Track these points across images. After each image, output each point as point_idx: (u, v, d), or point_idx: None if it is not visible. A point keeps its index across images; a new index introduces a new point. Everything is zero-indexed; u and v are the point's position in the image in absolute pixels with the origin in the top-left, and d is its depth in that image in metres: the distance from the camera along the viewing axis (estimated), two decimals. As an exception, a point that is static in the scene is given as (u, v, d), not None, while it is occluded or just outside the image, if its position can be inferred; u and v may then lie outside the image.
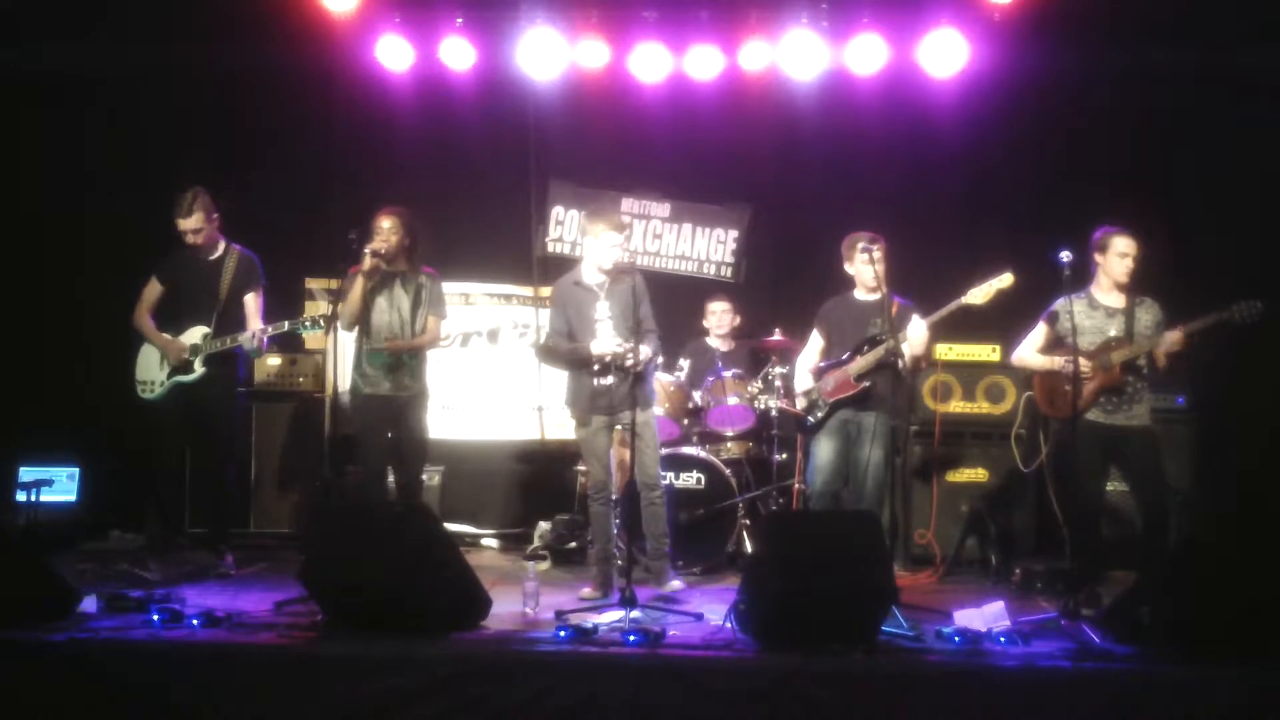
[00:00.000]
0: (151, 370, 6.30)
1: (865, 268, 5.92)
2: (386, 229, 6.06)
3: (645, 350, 5.68)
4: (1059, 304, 5.66)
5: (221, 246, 6.32)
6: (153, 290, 6.36)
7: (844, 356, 6.02)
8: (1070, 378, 5.44)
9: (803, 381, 6.20)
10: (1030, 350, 5.91)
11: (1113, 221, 5.76)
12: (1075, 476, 5.59)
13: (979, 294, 5.71)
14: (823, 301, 6.28)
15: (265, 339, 6.22)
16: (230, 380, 6.34)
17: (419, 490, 6.45)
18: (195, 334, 6.22)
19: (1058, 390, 5.76)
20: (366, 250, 5.93)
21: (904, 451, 6.88)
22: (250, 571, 6.31)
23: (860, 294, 6.09)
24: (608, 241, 5.76)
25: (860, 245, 5.89)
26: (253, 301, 6.31)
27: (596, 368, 5.72)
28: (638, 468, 5.64)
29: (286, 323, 6.15)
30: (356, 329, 6.14)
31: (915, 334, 5.80)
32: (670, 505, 6.43)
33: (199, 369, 6.19)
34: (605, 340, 5.69)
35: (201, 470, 6.55)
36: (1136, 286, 5.74)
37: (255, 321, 6.26)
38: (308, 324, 6.09)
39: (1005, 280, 5.70)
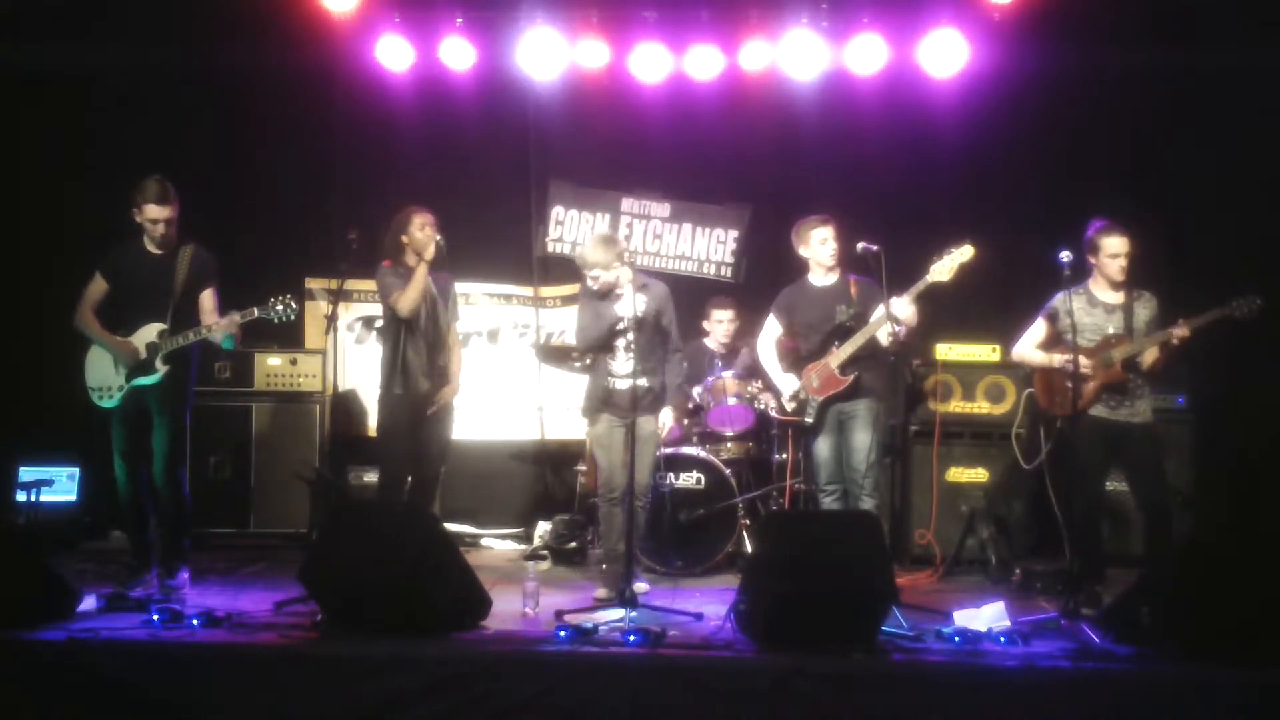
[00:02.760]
0: (105, 375, 5.84)
1: (821, 247, 5.98)
2: (433, 226, 6.03)
3: (667, 418, 6.01)
4: (1057, 300, 5.66)
5: (174, 240, 5.87)
6: (97, 288, 5.89)
7: (814, 349, 6.02)
8: (1071, 375, 5.45)
9: (785, 382, 6.17)
10: (1030, 346, 5.91)
11: (1104, 218, 5.74)
12: (1076, 475, 5.58)
13: (942, 269, 5.72)
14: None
15: (238, 329, 5.82)
16: (184, 381, 5.88)
17: (437, 488, 6.40)
18: (150, 332, 5.77)
19: (1058, 387, 5.76)
20: (437, 239, 5.91)
21: (902, 451, 6.88)
22: (250, 571, 6.31)
23: (816, 278, 6.11)
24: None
25: (814, 227, 5.99)
26: (209, 299, 5.87)
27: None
28: (634, 473, 5.64)
29: (255, 309, 5.74)
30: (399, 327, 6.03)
31: (901, 313, 5.75)
32: (670, 506, 6.46)
33: (160, 368, 5.74)
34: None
35: (155, 478, 5.86)
36: (1134, 281, 5.73)
37: (213, 319, 5.82)
38: (279, 308, 5.73)
39: (966, 253, 5.71)
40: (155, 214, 5.74)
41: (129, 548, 6.01)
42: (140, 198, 5.75)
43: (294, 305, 5.76)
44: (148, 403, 5.81)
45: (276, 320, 5.77)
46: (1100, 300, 5.74)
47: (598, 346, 5.91)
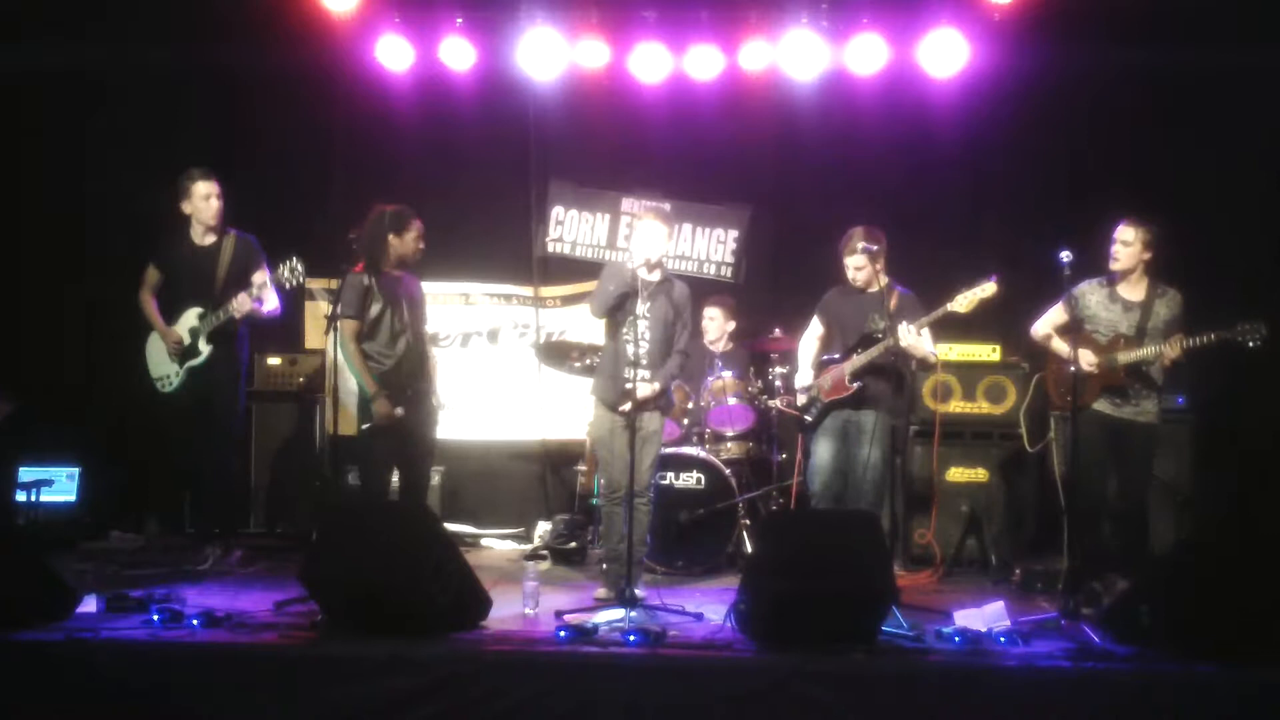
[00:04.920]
0: (164, 364, 6.33)
1: (854, 272, 5.97)
2: (423, 233, 6.04)
3: (649, 387, 5.73)
4: (1078, 288, 5.66)
5: (218, 231, 6.34)
6: (152, 275, 6.40)
7: (839, 355, 6.03)
8: (1072, 367, 5.45)
9: (804, 376, 6.20)
10: (1047, 326, 5.93)
11: (1128, 214, 5.77)
12: (1078, 470, 5.59)
13: (963, 302, 5.73)
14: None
15: (265, 299, 6.17)
16: (234, 364, 6.34)
17: (425, 491, 6.38)
18: (191, 317, 6.24)
19: (1063, 377, 5.78)
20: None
21: (904, 451, 6.88)
22: (250, 571, 6.31)
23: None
24: (644, 231, 5.80)
25: (858, 246, 5.88)
26: (260, 278, 6.24)
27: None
28: (635, 471, 5.61)
29: (268, 277, 6.15)
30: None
31: (910, 339, 5.79)
32: (670, 506, 6.46)
33: (205, 348, 6.19)
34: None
35: (206, 464, 6.40)
36: (1159, 277, 5.74)
37: (270, 297, 6.25)
38: (285, 274, 5.99)
39: (988, 289, 5.70)
40: (208, 189, 6.25)
41: (194, 530, 6.58)
42: (188, 181, 6.22)
43: (299, 268, 6.00)
44: (203, 388, 6.21)
45: (286, 285, 6.08)
46: (1120, 296, 5.74)
47: (614, 303, 5.73)
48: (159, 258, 6.39)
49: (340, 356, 5.75)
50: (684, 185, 7.92)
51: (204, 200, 6.21)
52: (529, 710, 4.27)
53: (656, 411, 5.85)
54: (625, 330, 5.72)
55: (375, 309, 5.83)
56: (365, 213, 6.02)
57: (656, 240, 5.77)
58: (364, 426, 5.92)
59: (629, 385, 5.54)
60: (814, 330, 6.26)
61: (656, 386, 5.74)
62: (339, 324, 5.69)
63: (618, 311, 5.76)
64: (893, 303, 5.90)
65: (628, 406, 5.56)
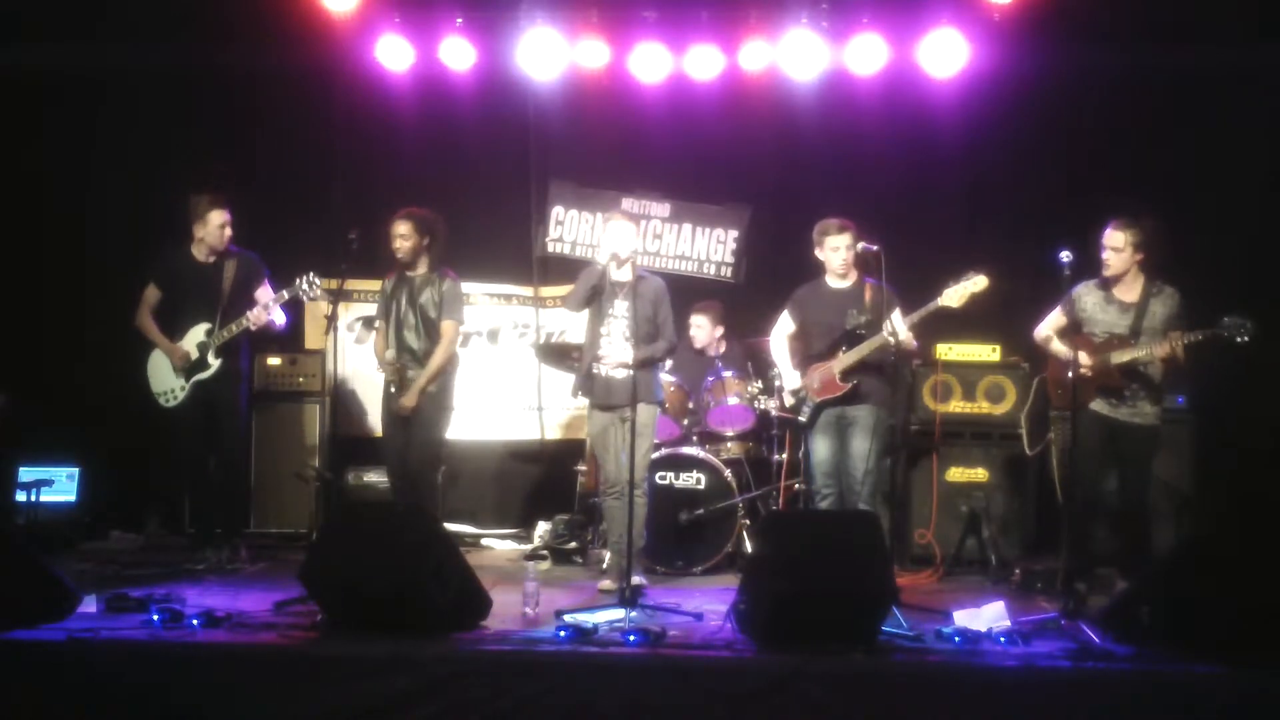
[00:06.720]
0: (167, 379, 6.37)
1: (833, 254, 5.98)
2: (401, 234, 6.21)
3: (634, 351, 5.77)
4: (1075, 290, 5.66)
5: (220, 253, 6.40)
6: (151, 294, 6.45)
7: (823, 349, 6.03)
8: (1071, 368, 5.46)
9: (790, 379, 6.19)
10: (1048, 329, 5.93)
11: (1115, 216, 5.77)
12: (1076, 471, 5.60)
13: (953, 296, 5.74)
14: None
15: (273, 312, 6.31)
16: (238, 374, 6.46)
17: (423, 491, 6.41)
18: (199, 332, 6.32)
19: (1061, 379, 5.79)
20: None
21: (902, 451, 6.89)
22: (250, 571, 6.32)
23: (833, 280, 6.10)
24: (613, 230, 5.90)
25: (829, 233, 5.93)
26: (265, 293, 6.39)
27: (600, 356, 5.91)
28: (631, 462, 5.59)
29: (285, 291, 6.26)
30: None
31: (900, 334, 5.78)
32: (670, 506, 6.46)
33: (214, 362, 6.28)
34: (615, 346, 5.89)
35: (213, 467, 6.50)
36: (1155, 275, 5.73)
37: (279, 313, 6.38)
38: (305, 287, 6.18)
39: (979, 283, 5.71)
40: (222, 219, 6.29)
41: (194, 533, 6.66)
42: (204, 208, 6.27)
43: (317, 282, 6.18)
44: (208, 399, 6.30)
45: (305, 298, 6.31)
46: (1116, 297, 5.74)
47: (585, 295, 5.94)
48: (159, 276, 6.44)
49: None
50: (684, 185, 7.93)
51: (218, 229, 6.30)
52: (529, 710, 4.27)
53: (651, 406, 5.89)
54: (603, 329, 5.87)
55: (391, 310, 6.32)
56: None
57: (625, 238, 5.87)
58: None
59: (608, 357, 5.77)
60: (784, 328, 6.25)
61: (639, 354, 5.76)
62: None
63: (590, 305, 5.95)
64: (868, 295, 5.92)
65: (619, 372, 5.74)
